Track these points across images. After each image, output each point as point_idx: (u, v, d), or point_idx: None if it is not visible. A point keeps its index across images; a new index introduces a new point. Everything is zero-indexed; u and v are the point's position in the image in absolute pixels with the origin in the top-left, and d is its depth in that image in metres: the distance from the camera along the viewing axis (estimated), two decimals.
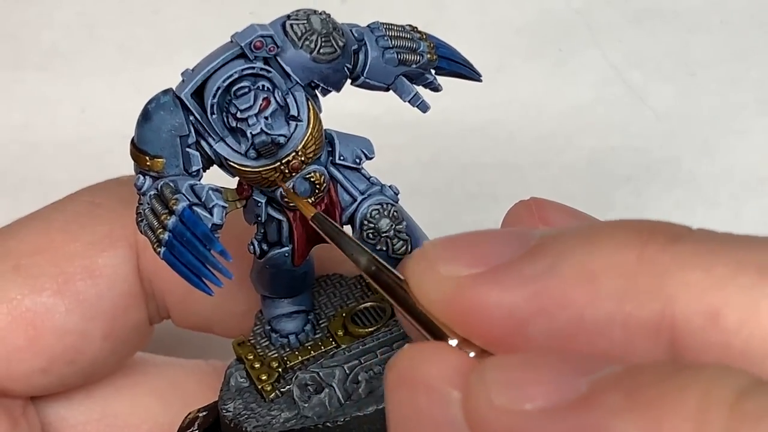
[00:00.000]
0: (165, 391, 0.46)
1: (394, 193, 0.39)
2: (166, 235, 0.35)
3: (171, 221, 0.35)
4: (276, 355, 0.40)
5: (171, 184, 0.36)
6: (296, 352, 0.40)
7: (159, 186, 0.36)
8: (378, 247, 0.38)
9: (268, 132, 0.36)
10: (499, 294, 0.29)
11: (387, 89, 0.39)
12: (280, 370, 0.39)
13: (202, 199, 0.35)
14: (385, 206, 0.38)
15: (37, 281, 0.43)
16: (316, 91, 0.37)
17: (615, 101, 0.60)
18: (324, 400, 0.37)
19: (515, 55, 0.61)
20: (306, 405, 0.37)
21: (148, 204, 0.36)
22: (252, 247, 0.39)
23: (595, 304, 0.28)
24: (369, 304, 0.41)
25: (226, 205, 0.36)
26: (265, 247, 0.39)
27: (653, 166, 0.58)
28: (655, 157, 0.59)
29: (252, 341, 0.41)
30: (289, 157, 0.37)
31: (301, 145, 0.37)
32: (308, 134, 0.37)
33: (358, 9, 0.59)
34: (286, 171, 0.37)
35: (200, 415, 0.40)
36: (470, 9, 0.62)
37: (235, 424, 0.38)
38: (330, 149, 0.38)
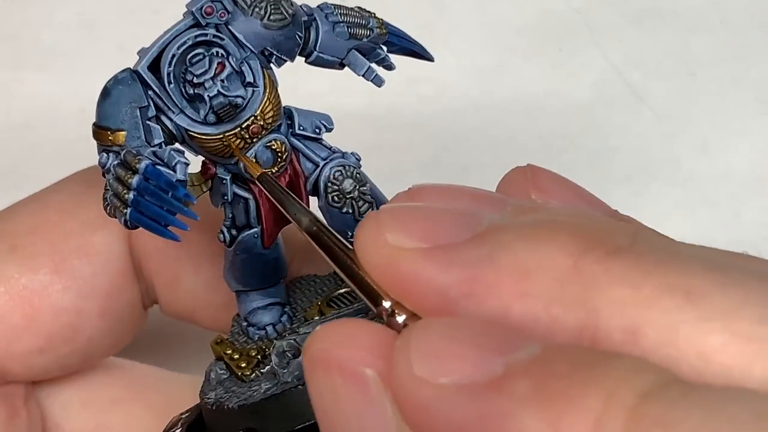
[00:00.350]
0: (160, 407, 0.46)
1: (356, 159, 0.40)
2: (131, 195, 0.36)
3: (135, 180, 0.35)
4: (254, 346, 0.40)
5: (133, 151, 0.36)
6: (274, 341, 0.40)
7: (122, 154, 0.36)
8: (344, 210, 0.39)
9: (225, 93, 0.37)
10: (435, 272, 0.29)
11: (341, 65, 0.40)
12: (259, 357, 0.40)
13: (165, 160, 0.36)
14: (347, 168, 0.39)
15: (34, 260, 0.44)
16: (270, 61, 0.38)
17: (615, 101, 0.60)
18: (302, 361, 0.38)
19: (515, 54, 0.61)
20: (285, 371, 0.38)
21: (113, 174, 0.36)
22: (222, 235, 0.39)
23: (523, 300, 0.28)
24: (345, 290, 0.41)
25: (188, 161, 0.36)
26: (234, 232, 0.39)
27: (653, 165, 0.58)
28: (654, 156, 0.59)
29: (230, 339, 0.41)
30: (249, 122, 0.37)
31: (259, 110, 0.38)
32: (265, 99, 0.38)
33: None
34: (247, 136, 0.38)
35: (183, 416, 0.41)
36: (470, 9, 0.62)
37: (216, 406, 0.38)
38: (290, 122, 0.39)
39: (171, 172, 0.36)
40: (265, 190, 0.36)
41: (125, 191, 0.36)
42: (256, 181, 0.36)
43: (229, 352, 0.40)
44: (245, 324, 0.41)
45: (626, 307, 0.27)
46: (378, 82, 0.40)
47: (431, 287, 0.29)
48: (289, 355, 0.38)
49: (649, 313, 0.27)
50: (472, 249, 0.29)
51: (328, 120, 0.40)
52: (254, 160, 0.38)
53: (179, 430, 0.40)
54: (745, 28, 0.61)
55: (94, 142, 0.37)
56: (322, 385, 0.29)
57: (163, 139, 0.37)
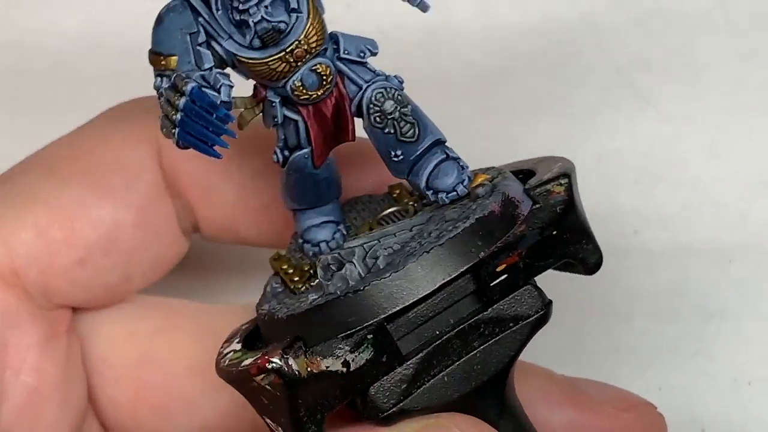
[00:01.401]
0: (202, 334, 0.47)
1: (399, 82, 0.40)
2: (178, 116, 0.37)
3: (182, 101, 0.37)
4: (308, 261, 0.42)
5: (183, 75, 0.38)
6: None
7: (173, 78, 0.38)
8: (386, 130, 0.40)
9: (269, 19, 0.38)
10: None
11: None
12: (311, 271, 0.42)
13: (211, 83, 0.38)
14: (388, 90, 0.40)
15: (71, 179, 0.46)
16: None
17: (620, 103, 0.60)
18: (345, 275, 0.39)
19: (520, 58, 0.61)
20: (329, 283, 0.39)
21: (164, 97, 0.38)
22: (276, 155, 0.41)
23: None
24: (394, 209, 0.43)
25: (233, 84, 0.38)
26: (286, 153, 0.41)
27: (659, 167, 0.58)
28: (661, 158, 0.59)
29: (287, 255, 0.43)
30: (293, 46, 0.39)
31: (302, 35, 0.39)
32: (309, 24, 0.39)
33: (363, 13, 0.59)
34: (291, 60, 0.39)
35: (242, 327, 0.42)
36: (475, 13, 0.62)
37: (269, 317, 0.40)
38: (335, 47, 0.40)
39: (216, 93, 0.38)
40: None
41: (173, 112, 0.37)
42: None
43: (285, 267, 0.42)
44: (301, 241, 0.43)
45: None
46: (423, 7, 0.40)
47: None
48: (333, 267, 0.40)
49: None
50: None
51: (373, 44, 0.41)
52: (300, 84, 0.39)
53: (237, 339, 0.41)
54: (750, 30, 0.61)
55: None
56: None
57: (213, 64, 0.39)
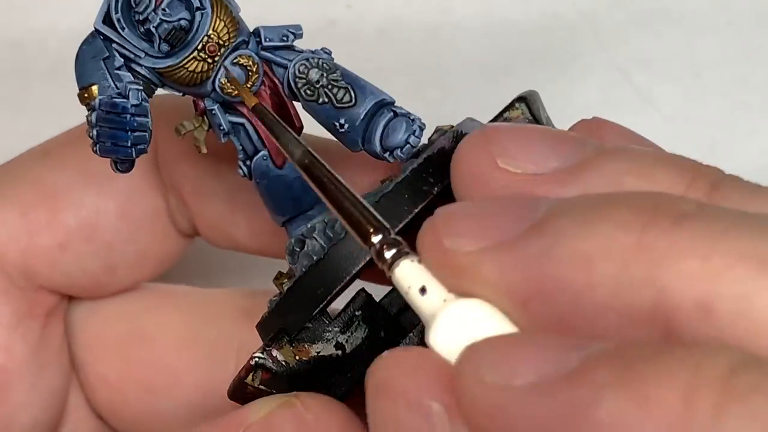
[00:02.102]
0: (191, 309, 0.47)
1: (327, 53, 0.39)
2: (94, 131, 0.37)
3: (93, 115, 0.37)
4: None
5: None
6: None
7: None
8: (320, 101, 0.39)
9: (168, 19, 0.38)
10: (499, 274, 0.29)
11: None
12: None
13: (122, 93, 0.38)
14: (311, 59, 0.39)
15: (63, 162, 0.46)
16: None
17: (621, 103, 0.60)
18: (308, 251, 0.38)
19: (521, 57, 0.61)
20: (297, 265, 0.38)
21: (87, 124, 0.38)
22: (240, 170, 0.40)
23: (591, 290, 0.27)
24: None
25: (141, 87, 0.38)
26: (249, 163, 0.40)
27: None
28: None
29: (287, 273, 0.41)
30: (203, 41, 0.38)
31: (210, 29, 0.38)
32: (215, 17, 0.38)
33: (363, 13, 0.59)
34: (206, 56, 0.38)
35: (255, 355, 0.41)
36: (476, 11, 0.62)
37: (260, 324, 0.38)
38: (258, 39, 0.39)
39: (124, 99, 0.37)
40: (259, 119, 0.37)
41: (90, 131, 0.37)
42: (252, 111, 0.37)
43: (285, 281, 0.40)
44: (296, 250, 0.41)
45: (696, 281, 0.26)
46: None
47: (501, 288, 0.29)
48: (297, 249, 0.39)
49: (720, 286, 0.26)
50: (532, 242, 0.28)
51: (296, 28, 0.40)
52: (226, 80, 0.38)
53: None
54: (751, 29, 0.61)
55: None
56: (386, 413, 0.29)
57: (132, 80, 0.38)
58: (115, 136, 0.37)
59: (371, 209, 0.32)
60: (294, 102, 0.40)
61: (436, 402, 0.28)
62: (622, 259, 0.27)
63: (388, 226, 0.31)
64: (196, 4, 0.38)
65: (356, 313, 0.37)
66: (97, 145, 0.38)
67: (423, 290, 0.30)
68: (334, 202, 0.32)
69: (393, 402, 0.28)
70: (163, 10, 0.38)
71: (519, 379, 0.27)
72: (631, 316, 0.27)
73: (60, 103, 0.62)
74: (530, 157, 0.31)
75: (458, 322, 0.29)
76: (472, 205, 0.31)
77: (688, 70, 0.60)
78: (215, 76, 0.39)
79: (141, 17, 0.38)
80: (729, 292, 0.26)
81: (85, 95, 0.38)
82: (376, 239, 0.31)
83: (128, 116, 0.37)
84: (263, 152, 0.40)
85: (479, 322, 0.29)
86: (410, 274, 0.30)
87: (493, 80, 0.60)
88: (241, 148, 0.40)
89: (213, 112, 0.39)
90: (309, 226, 0.39)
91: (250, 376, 0.37)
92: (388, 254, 0.30)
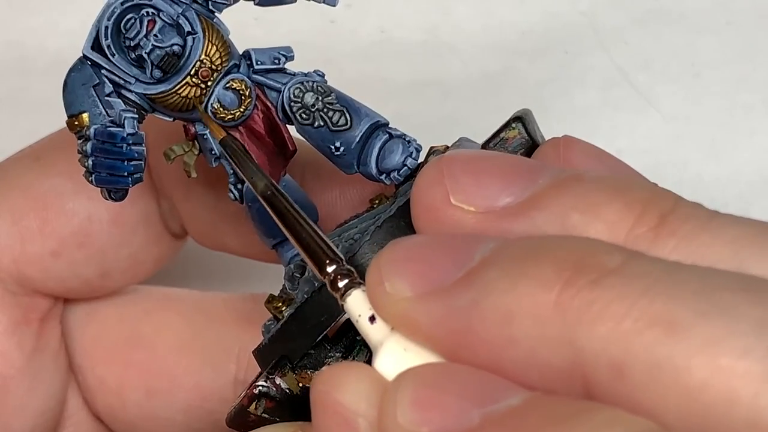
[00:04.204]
0: (190, 312, 0.47)
1: (320, 75, 0.39)
2: (89, 161, 0.37)
3: (88, 145, 0.37)
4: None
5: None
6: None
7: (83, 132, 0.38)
8: (316, 125, 0.39)
9: (160, 45, 0.37)
10: (429, 327, 0.29)
11: None
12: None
13: (116, 121, 0.38)
14: (306, 83, 0.39)
15: (53, 168, 0.45)
16: (209, 9, 0.38)
17: (621, 103, 0.60)
18: (309, 277, 0.38)
19: (521, 57, 0.61)
20: (297, 291, 0.38)
21: (78, 150, 0.38)
22: (231, 194, 0.40)
23: (512, 346, 0.28)
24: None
25: (137, 115, 0.38)
26: (240, 186, 0.40)
27: (660, 167, 0.58)
28: (661, 158, 0.59)
29: (279, 295, 0.41)
30: (196, 66, 0.38)
31: (203, 53, 0.38)
32: (207, 42, 0.38)
33: (363, 13, 0.59)
34: (199, 82, 0.38)
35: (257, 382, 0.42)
36: (476, 11, 0.62)
37: (258, 352, 0.38)
38: (249, 62, 0.39)
39: (120, 128, 0.37)
40: (226, 153, 0.37)
41: (86, 160, 0.37)
42: (219, 143, 0.37)
43: (279, 304, 0.40)
44: (290, 274, 0.41)
45: (609, 343, 0.27)
46: (331, 1, 0.39)
47: (431, 339, 0.30)
48: (297, 275, 0.38)
49: (631, 350, 0.27)
50: (461, 294, 0.29)
51: (287, 50, 0.39)
52: (219, 105, 0.38)
53: (243, 390, 0.40)
54: (751, 29, 0.61)
55: None
56: (322, 425, 0.29)
57: (124, 107, 0.38)
58: (113, 166, 0.37)
59: (327, 241, 0.33)
60: (287, 125, 0.39)
61: (363, 418, 0.29)
62: (540, 317, 0.28)
63: (342, 257, 0.32)
64: (188, 28, 0.38)
65: (357, 338, 0.37)
66: (93, 176, 0.37)
67: (372, 319, 0.31)
68: (294, 233, 0.33)
69: (327, 415, 0.29)
70: (155, 35, 0.37)
71: (425, 427, 0.27)
72: (550, 373, 0.28)
73: (60, 103, 0.62)
74: (482, 192, 0.32)
75: (401, 352, 0.30)
76: (417, 244, 0.31)
77: (688, 70, 0.60)
78: (208, 101, 0.38)
79: (132, 43, 0.37)
80: (639, 357, 0.26)
81: (75, 122, 0.38)
82: (330, 269, 0.32)
83: (125, 146, 0.37)
84: None
85: (420, 353, 0.30)
86: (361, 304, 0.32)
87: (493, 80, 0.60)
88: (232, 172, 0.39)
89: (204, 136, 0.39)
90: None
91: (253, 405, 0.37)
92: (341, 284, 0.32)
